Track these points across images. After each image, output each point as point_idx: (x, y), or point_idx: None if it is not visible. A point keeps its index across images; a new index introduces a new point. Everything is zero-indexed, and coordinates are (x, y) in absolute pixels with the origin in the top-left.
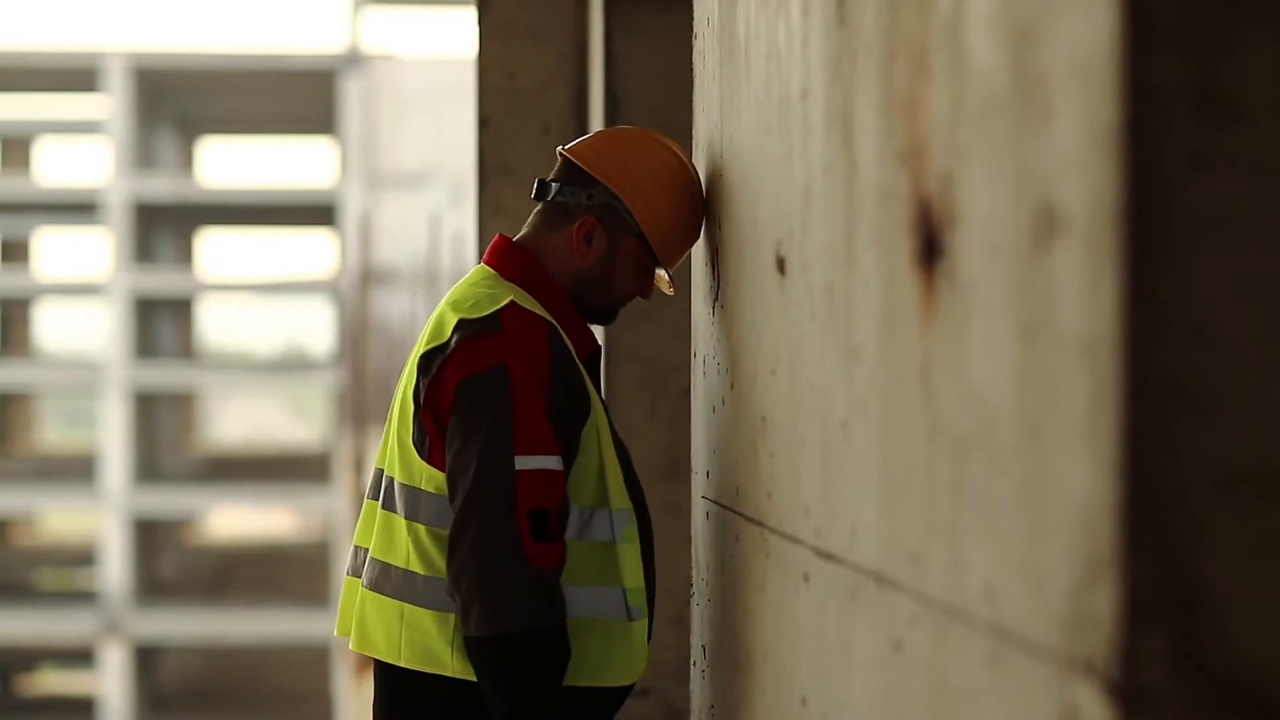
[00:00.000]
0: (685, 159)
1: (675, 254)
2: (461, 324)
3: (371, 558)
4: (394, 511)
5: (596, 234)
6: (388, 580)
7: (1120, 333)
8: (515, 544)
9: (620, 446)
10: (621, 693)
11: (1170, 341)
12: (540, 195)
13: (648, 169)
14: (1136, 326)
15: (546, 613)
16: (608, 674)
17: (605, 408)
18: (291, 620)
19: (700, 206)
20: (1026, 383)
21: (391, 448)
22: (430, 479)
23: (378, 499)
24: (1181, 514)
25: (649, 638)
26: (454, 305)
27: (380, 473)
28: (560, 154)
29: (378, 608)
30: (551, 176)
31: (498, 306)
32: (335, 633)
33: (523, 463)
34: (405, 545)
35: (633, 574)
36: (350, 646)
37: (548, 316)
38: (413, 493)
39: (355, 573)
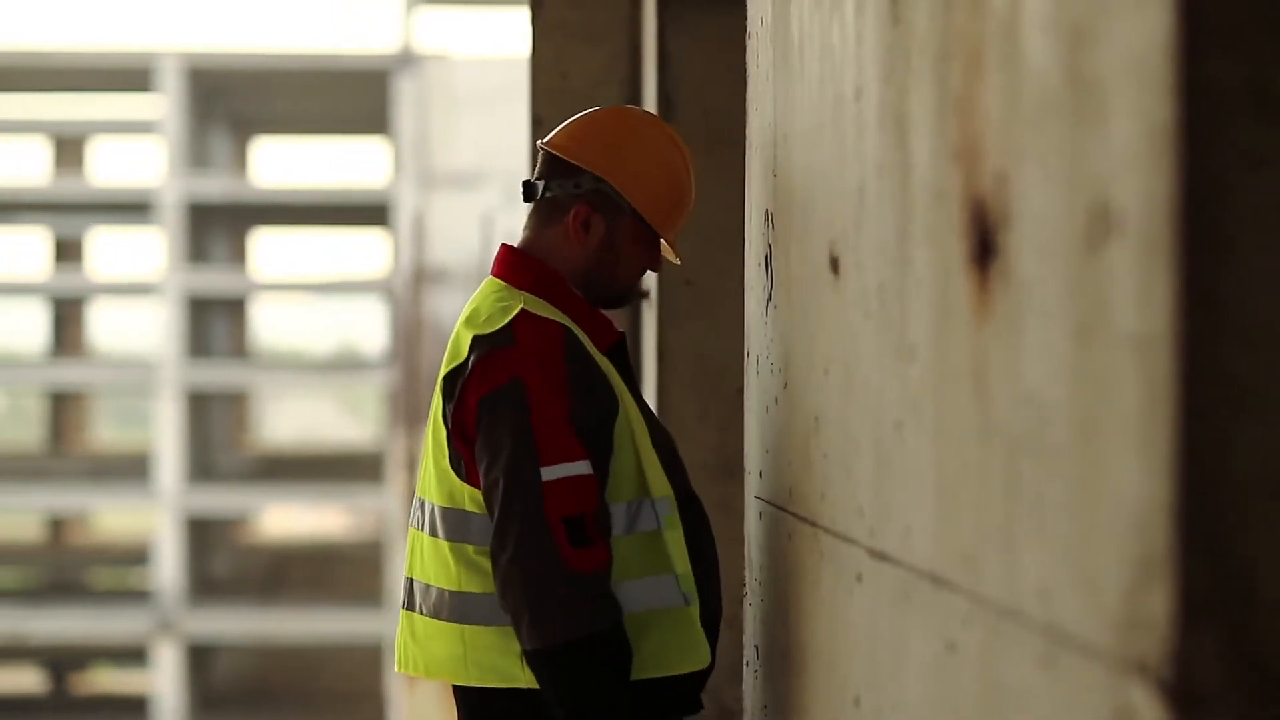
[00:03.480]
0: (661, 125)
1: (673, 221)
2: (476, 341)
3: (425, 586)
4: (438, 537)
5: (592, 220)
6: (444, 606)
7: (1175, 333)
8: (552, 555)
9: (659, 431)
10: (698, 680)
11: (1225, 341)
12: (529, 196)
13: (626, 144)
14: (1191, 326)
15: (595, 618)
16: (680, 662)
17: (639, 396)
18: (344, 620)
19: (687, 168)
20: (1080, 383)
21: (429, 473)
22: (473, 499)
23: (422, 529)
24: (1236, 514)
25: (720, 619)
26: (468, 322)
27: (422, 502)
28: (540, 148)
29: (439, 634)
30: (536, 175)
31: (509, 318)
32: (396, 669)
33: (549, 473)
34: (454, 568)
35: (680, 559)
36: (418, 675)
37: (562, 318)
38: (458, 515)
39: (410, 606)
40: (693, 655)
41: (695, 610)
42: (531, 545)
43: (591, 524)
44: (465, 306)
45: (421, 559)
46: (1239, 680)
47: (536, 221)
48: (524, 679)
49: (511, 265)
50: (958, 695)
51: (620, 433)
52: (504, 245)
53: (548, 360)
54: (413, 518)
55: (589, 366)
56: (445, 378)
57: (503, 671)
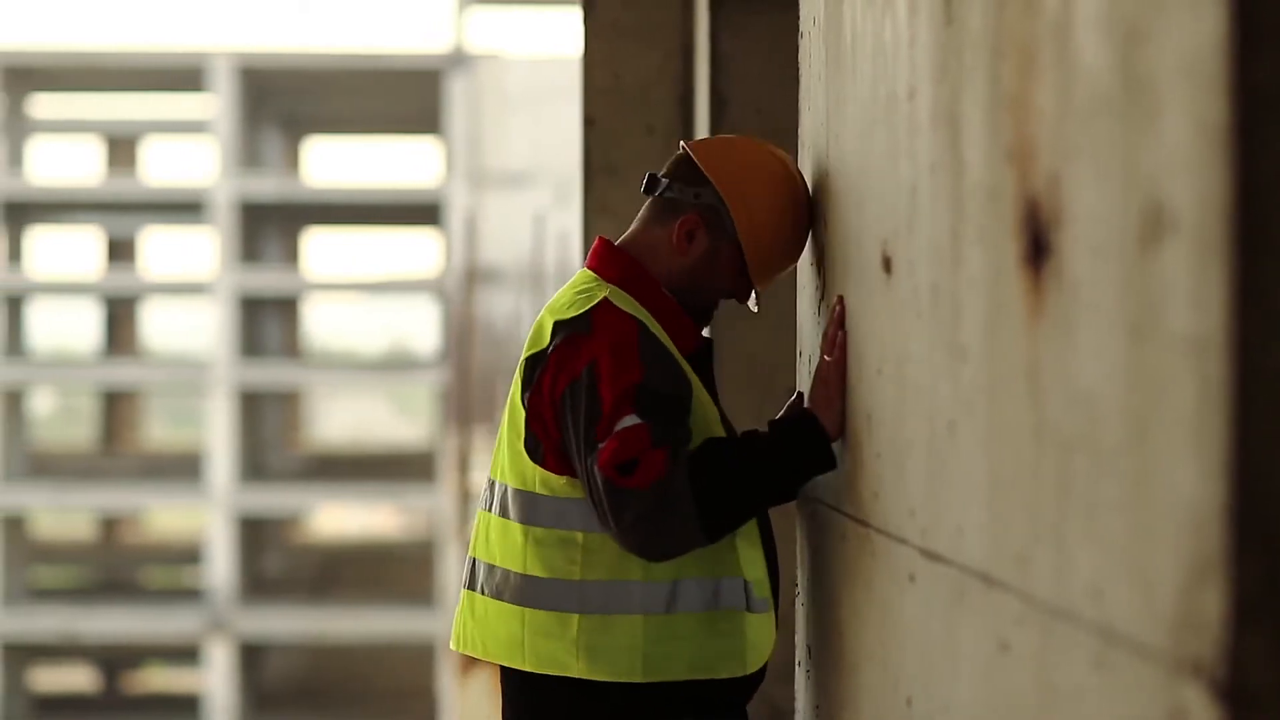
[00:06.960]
0: (800, 183)
1: (768, 270)
2: (557, 327)
3: (490, 566)
4: (508, 518)
5: (698, 233)
6: (507, 587)
7: (1229, 333)
8: (629, 499)
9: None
10: (749, 683)
11: None
12: (650, 189)
13: (758, 179)
14: (1245, 326)
15: (675, 491)
16: (736, 665)
17: (719, 405)
18: (396, 619)
19: (804, 229)
20: (1134, 383)
21: (503, 456)
22: (544, 483)
23: (491, 509)
24: None
25: (777, 625)
26: (552, 310)
27: (493, 483)
28: (680, 146)
29: (499, 615)
30: (664, 172)
31: (590, 306)
32: (451, 646)
33: (604, 442)
34: (522, 550)
35: (751, 565)
36: (474, 655)
37: (642, 314)
38: (528, 497)
39: (471, 585)
40: (737, 660)
41: (768, 618)
42: (618, 508)
43: (641, 457)
44: (554, 295)
45: (488, 540)
46: None
47: (648, 216)
48: (576, 668)
49: (604, 258)
50: (1010, 695)
51: (696, 419)
52: (600, 238)
53: (621, 345)
54: (482, 498)
55: (663, 353)
56: (526, 362)
57: (557, 660)
